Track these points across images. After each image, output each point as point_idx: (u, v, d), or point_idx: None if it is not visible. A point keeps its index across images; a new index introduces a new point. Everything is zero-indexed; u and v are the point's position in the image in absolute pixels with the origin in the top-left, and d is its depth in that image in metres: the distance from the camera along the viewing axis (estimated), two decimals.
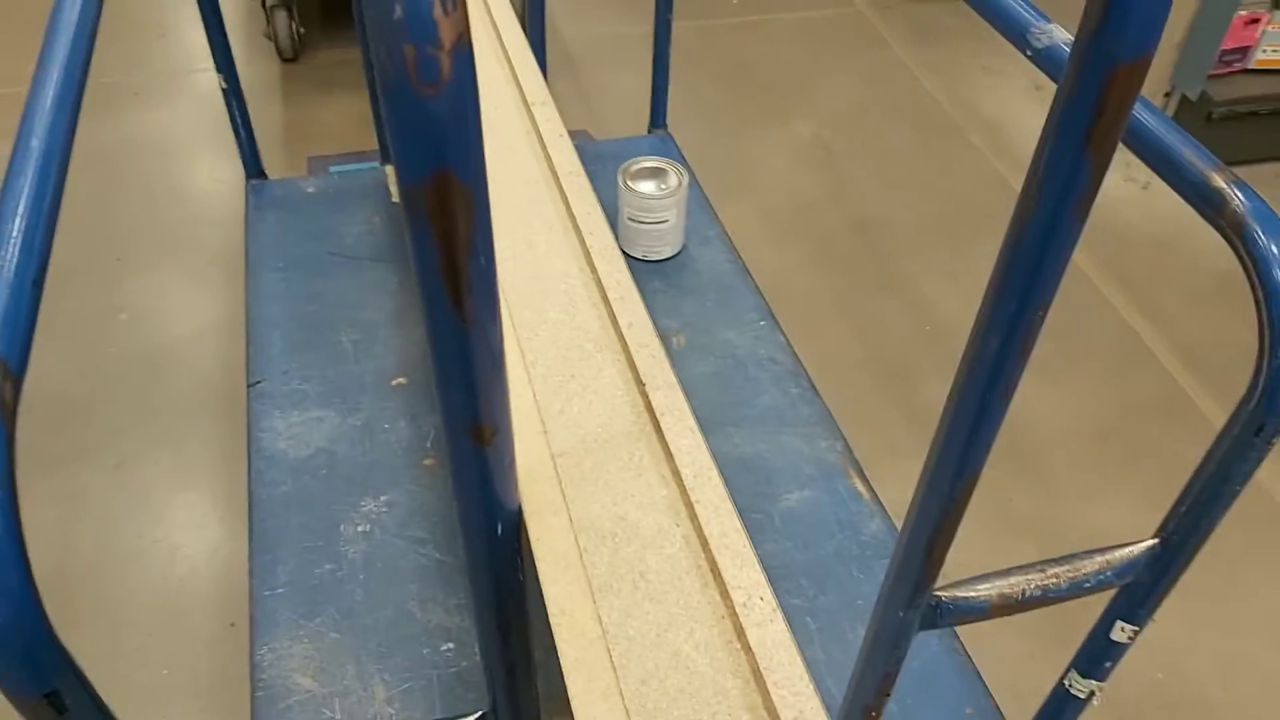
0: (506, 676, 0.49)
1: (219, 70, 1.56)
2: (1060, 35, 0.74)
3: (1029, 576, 0.68)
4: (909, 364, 1.87)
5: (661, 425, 0.45)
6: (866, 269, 2.07)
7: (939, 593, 0.66)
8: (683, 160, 1.79)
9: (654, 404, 0.46)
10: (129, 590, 1.48)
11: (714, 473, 0.43)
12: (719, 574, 0.40)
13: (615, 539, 0.43)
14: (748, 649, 0.37)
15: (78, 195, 2.24)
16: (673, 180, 1.52)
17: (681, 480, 0.43)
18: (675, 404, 0.46)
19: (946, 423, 0.53)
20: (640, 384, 0.47)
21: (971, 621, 0.68)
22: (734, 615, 0.38)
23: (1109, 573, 0.69)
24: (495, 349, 0.39)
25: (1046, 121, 0.41)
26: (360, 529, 1.16)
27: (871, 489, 1.24)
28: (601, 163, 1.64)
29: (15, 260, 0.51)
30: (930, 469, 0.56)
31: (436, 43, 0.30)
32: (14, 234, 0.52)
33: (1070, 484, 1.70)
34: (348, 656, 1.04)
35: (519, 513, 0.46)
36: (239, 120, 1.61)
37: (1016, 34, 0.76)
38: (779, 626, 0.38)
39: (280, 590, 1.11)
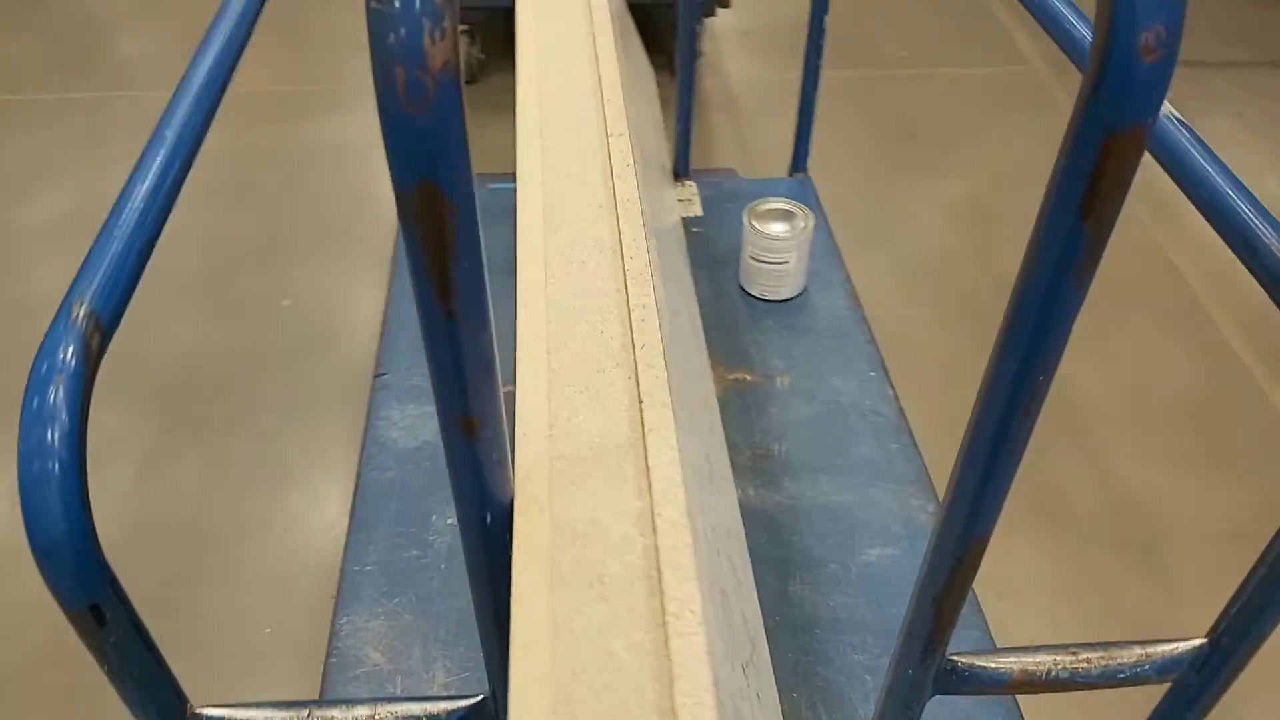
0: (501, 662, 0.52)
1: None
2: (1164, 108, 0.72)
3: (1057, 657, 0.66)
4: (1035, 434, 1.79)
5: (648, 441, 0.48)
6: None
7: (955, 657, 0.65)
8: (817, 205, 1.80)
9: (645, 420, 0.48)
10: (250, 552, 1.60)
11: (680, 491, 0.45)
12: (663, 585, 0.42)
13: (584, 540, 0.45)
14: (669, 657, 0.39)
15: (261, 189, 2.45)
16: (798, 223, 1.53)
17: (653, 494, 0.45)
18: (664, 422, 0.48)
19: (953, 485, 0.53)
20: (640, 401, 0.50)
21: (991, 693, 0.67)
22: (664, 625, 0.40)
23: (1148, 667, 0.65)
24: (482, 347, 0.42)
25: (1046, 190, 0.41)
26: (449, 521, 1.23)
27: None
28: (736, 200, 1.67)
29: (129, 230, 0.58)
30: (938, 529, 0.55)
31: (424, 67, 0.34)
32: (134, 206, 0.60)
33: (1190, 585, 1.59)
34: (416, 638, 1.10)
35: (510, 506, 0.49)
36: None
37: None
38: (699, 640, 0.39)
39: (368, 568, 1.18)
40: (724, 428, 1.38)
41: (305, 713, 0.62)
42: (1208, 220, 0.64)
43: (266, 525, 1.64)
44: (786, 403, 1.40)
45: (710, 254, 1.68)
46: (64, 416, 0.49)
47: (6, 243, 2.22)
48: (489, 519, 0.49)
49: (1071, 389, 1.88)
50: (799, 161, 1.89)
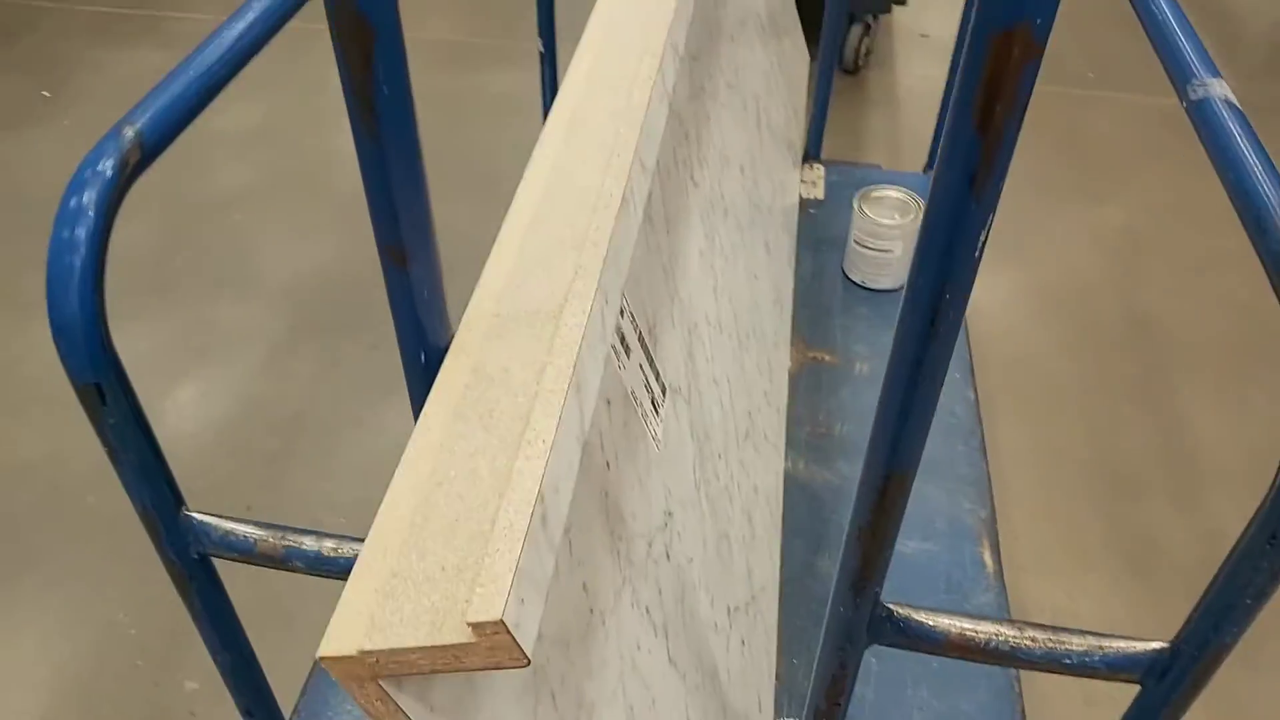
0: None
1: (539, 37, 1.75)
2: (1218, 91, 0.69)
3: (1001, 629, 0.64)
4: (1138, 478, 1.70)
5: (565, 307, 0.51)
6: (1127, 369, 1.90)
7: (892, 605, 0.65)
8: None
9: (573, 289, 0.52)
10: (341, 446, 1.72)
11: (573, 351, 0.48)
12: (530, 419, 0.45)
13: (491, 382, 0.49)
14: (509, 475, 0.42)
15: (423, 130, 2.59)
16: (909, 214, 1.50)
17: (559, 350, 0.49)
18: (585, 291, 0.51)
19: (877, 415, 0.53)
20: (574, 274, 0.53)
21: (925, 650, 0.66)
22: (518, 451, 0.43)
23: (1097, 659, 0.63)
24: (410, 176, 0.47)
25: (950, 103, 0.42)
26: None
27: (999, 564, 1.17)
28: (861, 189, 1.66)
29: (194, 78, 0.66)
30: (866, 459, 0.56)
31: None
32: (205, 58, 0.67)
33: (1270, 662, 1.47)
34: None
35: (445, 349, 0.53)
36: None
37: (1179, 82, 0.72)
38: (538, 464, 0.42)
39: None
40: (791, 401, 1.38)
41: (281, 535, 0.69)
42: (1231, 202, 0.61)
43: (361, 425, 1.75)
44: (860, 388, 1.39)
45: (820, 236, 1.67)
46: (90, 214, 0.57)
47: (203, 148, 2.45)
48: (424, 358, 0.53)
49: (1190, 440, 1.77)
50: (934, 159, 1.85)
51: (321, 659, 0.39)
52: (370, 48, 0.41)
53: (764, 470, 1.17)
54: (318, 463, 1.69)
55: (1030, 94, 0.40)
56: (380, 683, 0.39)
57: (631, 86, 0.70)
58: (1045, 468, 1.72)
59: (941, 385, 0.52)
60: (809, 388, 1.40)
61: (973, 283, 0.47)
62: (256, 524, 0.69)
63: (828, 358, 1.45)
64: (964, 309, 0.48)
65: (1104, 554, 1.58)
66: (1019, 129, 0.41)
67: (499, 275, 0.56)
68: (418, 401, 0.53)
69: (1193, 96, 0.69)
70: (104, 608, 1.49)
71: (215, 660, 0.78)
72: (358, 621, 0.39)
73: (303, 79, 2.68)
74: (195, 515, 0.69)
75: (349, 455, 1.70)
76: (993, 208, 0.43)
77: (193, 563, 0.70)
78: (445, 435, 0.47)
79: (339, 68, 0.43)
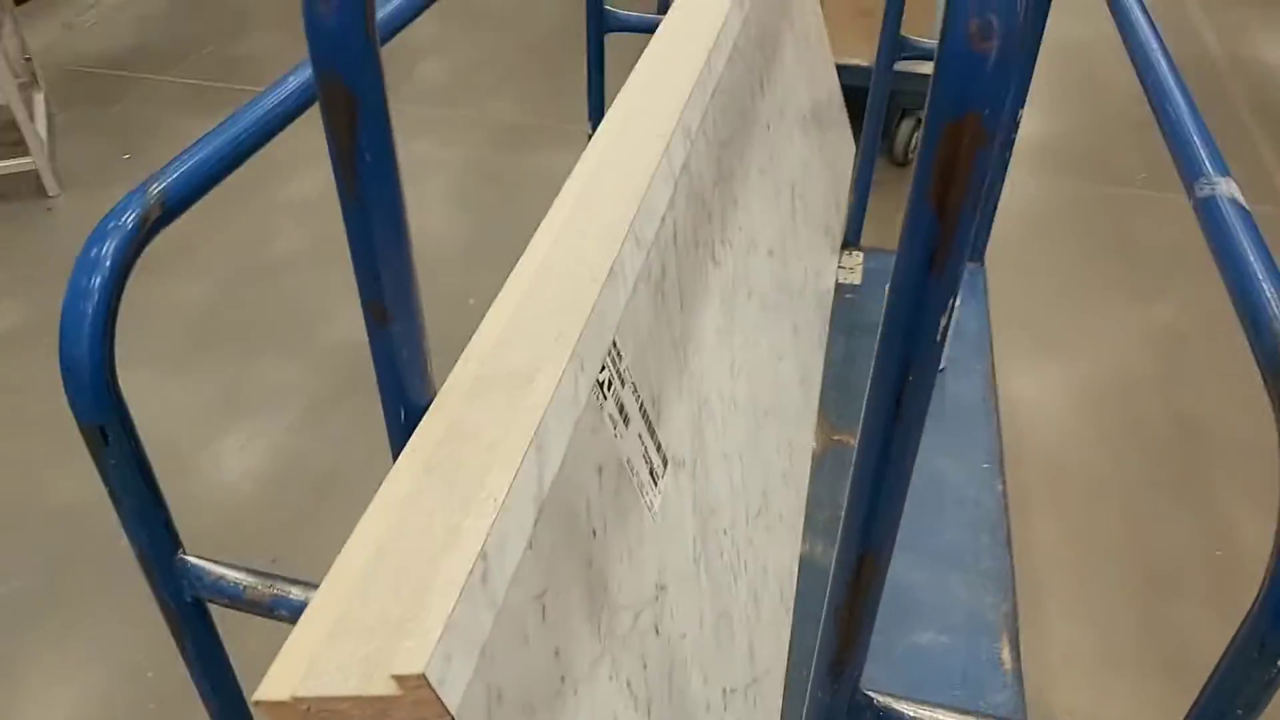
0: None
1: (590, 120, 1.81)
2: (1225, 190, 0.69)
3: None
4: (1178, 582, 1.64)
5: (540, 371, 0.52)
6: (1172, 471, 1.84)
7: (871, 693, 0.64)
8: (983, 296, 1.75)
9: (549, 354, 0.53)
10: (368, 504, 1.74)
11: (537, 413, 0.49)
12: (487, 478, 0.46)
13: (462, 440, 0.50)
14: (458, 533, 0.43)
15: (482, 203, 2.67)
16: None
17: (525, 411, 0.50)
18: (559, 357, 0.52)
19: (850, 494, 0.53)
20: (555, 339, 0.54)
21: None
22: (470, 509, 0.44)
23: None
24: (392, 240, 0.49)
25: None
26: None
27: (1018, 662, 1.13)
28: None
29: (220, 148, 0.69)
30: (840, 537, 0.56)
31: None
32: (232, 132, 0.71)
33: None
34: None
35: (424, 406, 0.55)
36: None
37: (1188, 178, 0.72)
38: (484, 523, 0.43)
39: None
40: (813, 483, 1.37)
41: (270, 583, 0.70)
42: (1231, 300, 0.60)
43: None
44: None
45: (855, 321, 1.67)
46: (107, 264, 0.60)
47: (264, 215, 2.56)
48: (403, 415, 0.55)
49: (1232, 543, 1.70)
50: (976, 251, 1.85)
51: (256, 703, 0.40)
52: (354, 116, 0.44)
53: (776, 551, 1.15)
54: (347, 520, 1.70)
55: (985, 179, 0.41)
56: None
57: (637, 166, 0.72)
58: (1080, 564, 1.67)
59: (911, 466, 0.52)
60: (833, 469, 1.39)
61: (938, 363, 0.47)
62: (248, 570, 0.71)
63: (854, 441, 1.43)
64: (930, 389, 0.48)
65: (1137, 657, 1.52)
66: (975, 211, 0.42)
67: (488, 339, 0.58)
68: (397, 456, 0.55)
69: (1199, 194, 0.69)
70: (125, 651, 1.51)
71: (206, 704, 0.79)
72: (297, 666, 0.40)
73: None
74: (190, 559, 0.70)
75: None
76: (953, 289, 0.44)
77: (186, 606, 0.72)
78: (412, 489, 0.48)
79: (325, 134, 0.45)
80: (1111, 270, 2.40)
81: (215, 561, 0.70)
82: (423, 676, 0.37)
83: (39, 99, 2.76)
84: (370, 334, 0.52)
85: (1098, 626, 1.57)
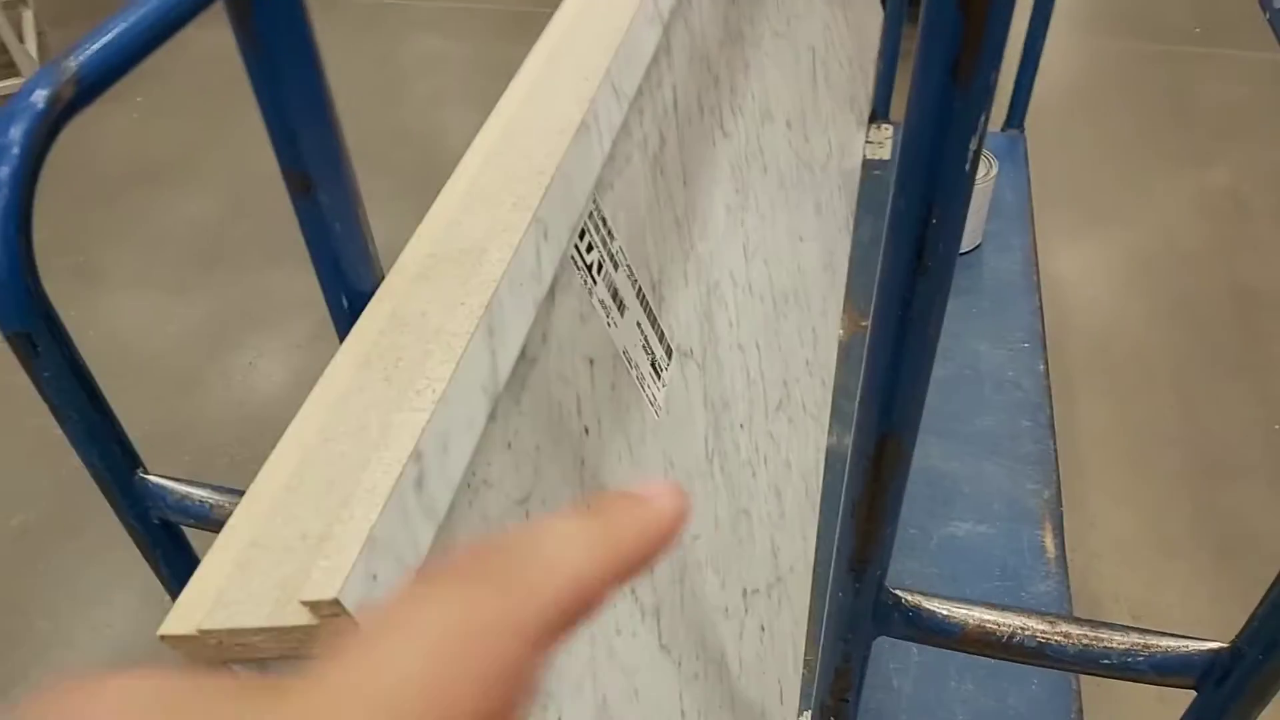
0: None
1: None
2: None
3: (1028, 622, 0.56)
4: (1234, 459, 1.55)
5: (490, 244, 0.44)
6: (1229, 343, 1.74)
7: (899, 591, 0.57)
8: (1023, 164, 1.63)
9: (502, 222, 0.45)
10: None
11: (488, 290, 0.41)
12: (426, 367, 0.39)
13: (405, 328, 0.43)
14: (389, 428, 0.36)
15: (491, 93, 2.55)
16: (984, 171, 1.39)
17: (474, 289, 0.42)
18: (514, 225, 0.45)
19: (865, 370, 0.46)
20: (509, 210, 0.46)
21: (937, 643, 0.58)
22: (407, 403, 0.37)
23: (1142, 660, 0.54)
24: (305, 90, 0.41)
25: None
26: None
27: (1062, 550, 1.06)
28: None
29: (144, 17, 0.61)
30: (855, 425, 0.48)
31: None
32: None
33: None
34: None
35: (369, 293, 0.47)
36: None
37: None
38: (420, 416, 0.36)
39: None
40: (840, 373, 1.29)
41: (237, 500, 0.64)
42: None
43: None
44: None
45: (884, 199, 1.56)
46: (15, 151, 0.53)
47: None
48: (346, 302, 0.48)
49: None
50: (1014, 117, 1.72)
51: (162, 637, 0.34)
52: None
53: (801, 444, 1.08)
54: None
55: None
56: (234, 669, 0.33)
57: (618, 10, 0.62)
58: (1130, 448, 1.59)
59: (938, 332, 0.44)
60: (861, 358, 1.31)
61: (967, 204, 0.39)
62: (214, 488, 0.65)
63: None
64: (957, 238, 0.40)
65: (1191, 542, 1.44)
66: (1011, 7, 0.33)
67: (443, 213, 0.50)
68: None
69: (1277, 5, 0.58)
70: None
71: None
72: (205, 596, 0.34)
73: (371, 51, 2.67)
74: (151, 478, 0.65)
75: None
76: (983, 105, 0.35)
77: (155, 528, 0.67)
78: (347, 387, 0.41)
79: None
80: (1163, 134, 2.24)
81: (179, 480, 0.65)
82: (337, 601, 0.30)
83: (28, 16, 2.66)
84: (296, 208, 0.44)
85: (1148, 511, 1.49)
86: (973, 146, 0.35)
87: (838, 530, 0.54)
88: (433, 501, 0.35)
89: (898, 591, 0.57)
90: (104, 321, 1.90)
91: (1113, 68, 2.49)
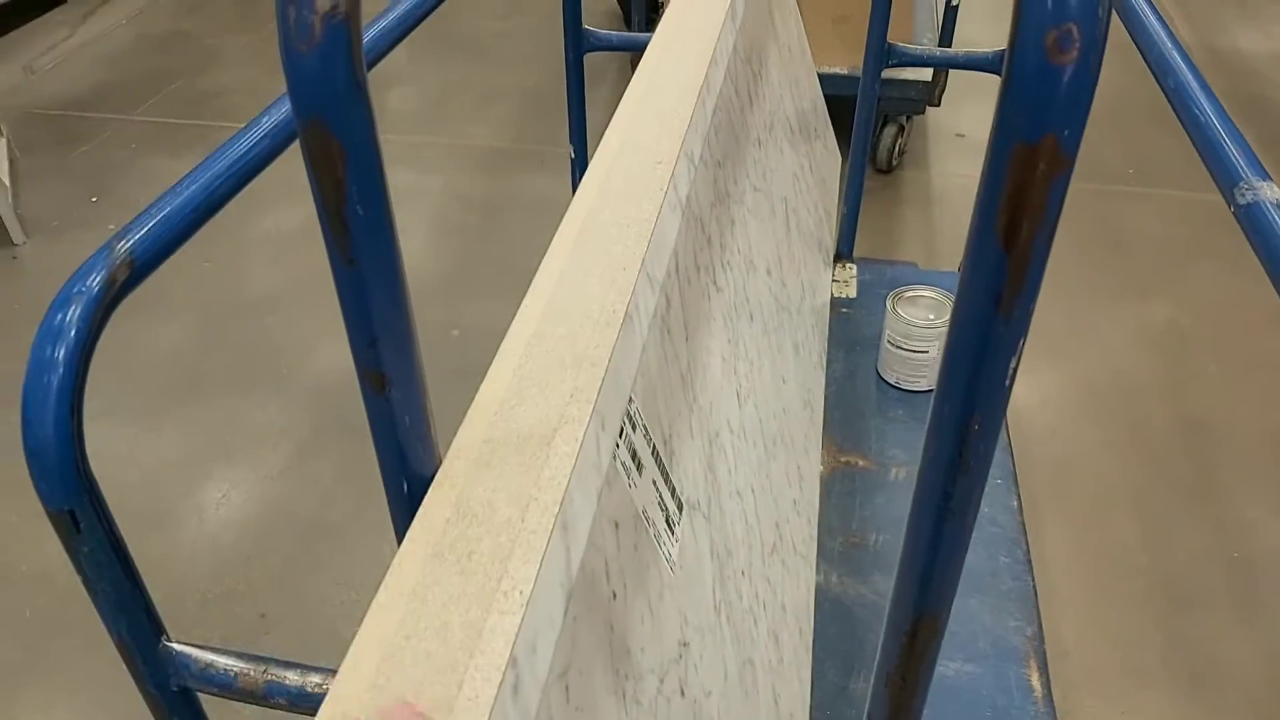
0: None
1: (571, 143, 1.77)
2: (1268, 194, 0.64)
3: None
4: (1196, 587, 1.60)
5: (557, 433, 0.47)
6: (1181, 473, 1.81)
7: None
8: None
9: (566, 414, 0.48)
10: (359, 550, 1.68)
11: (561, 485, 0.44)
12: (508, 567, 0.41)
13: (473, 519, 0.45)
14: (480, 633, 0.38)
15: (462, 230, 2.62)
16: (944, 314, 1.46)
17: (546, 484, 0.45)
18: (579, 416, 0.47)
19: (904, 552, 0.48)
20: (570, 397, 0.49)
21: None
22: (492, 604, 0.39)
23: None
24: (390, 302, 0.44)
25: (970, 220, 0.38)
26: None
27: (1048, 688, 1.09)
28: (895, 288, 1.62)
29: (191, 198, 0.64)
30: (891, 599, 0.51)
31: (313, 9, 0.36)
32: (203, 180, 0.66)
33: None
34: None
35: (430, 479, 0.49)
36: None
37: (1225, 185, 0.68)
38: (513, 620, 0.38)
39: None
40: (823, 509, 1.32)
41: (263, 668, 0.64)
42: None
43: (382, 529, 1.71)
44: (895, 495, 1.33)
45: (853, 337, 1.63)
46: (72, 334, 0.54)
47: (240, 249, 2.49)
48: (406, 488, 0.50)
49: (1251, 546, 1.67)
50: None
51: None
52: (343, 167, 0.39)
53: (793, 586, 1.10)
54: (337, 569, 1.65)
55: (1060, 209, 0.36)
56: None
57: (642, 197, 0.67)
58: (1096, 577, 1.63)
59: (974, 521, 0.47)
60: (842, 494, 1.34)
61: (1003, 411, 0.42)
62: (239, 655, 0.65)
63: (861, 462, 1.39)
64: (995, 440, 0.43)
65: (1162, 670, 1.47)
66: (1049, 246, 0.37)
67: (494, 397, 0.53)
68: (401, 536, 0.49)
69: (1241, 200, 0.65)
70: None
71: None
72: None
73: None
74: (175, 646, 0.65)
75: (369, 561, 1.66)
76: (1023, 331, 0.39)
77: (173, 696, 0.66)
78: (420, 579, 0.42)
79: (312, 188, 0.40)
80: (1105, 270, 2.37)
81: (203, 647, 0.65)
82: None
83: (0, 144, 2.69)
84: (367, 403, 0.47)
85: (1119, 641, 1.53)
86: (1013, 365, 0.39)
87: (868, 703, 0.56)
88: (526, 705, 0.37)
89: None
90: None
91: None
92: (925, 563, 0.48)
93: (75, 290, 0.57)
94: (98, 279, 0.57)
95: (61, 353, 0.54)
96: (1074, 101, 0.33)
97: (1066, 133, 0.34)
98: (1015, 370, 0.40)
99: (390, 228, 0.42)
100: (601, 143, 0.80)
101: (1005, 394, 0.41)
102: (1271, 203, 0.63)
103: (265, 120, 0.74)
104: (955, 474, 0.44)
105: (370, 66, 0.96)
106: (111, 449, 1.89)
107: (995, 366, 0.40)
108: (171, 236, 0.62)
